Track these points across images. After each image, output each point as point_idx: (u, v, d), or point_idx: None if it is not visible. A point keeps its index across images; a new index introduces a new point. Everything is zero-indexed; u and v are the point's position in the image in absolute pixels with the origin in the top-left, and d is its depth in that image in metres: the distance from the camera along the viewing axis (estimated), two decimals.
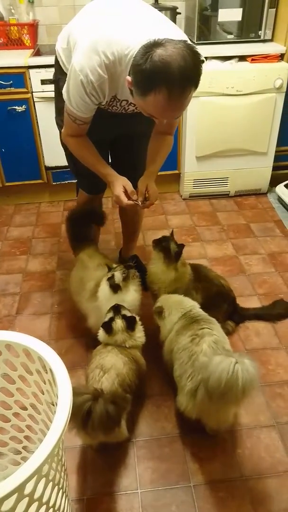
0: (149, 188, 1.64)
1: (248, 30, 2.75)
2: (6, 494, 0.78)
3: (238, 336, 1.94)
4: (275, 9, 2.68)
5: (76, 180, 2.09)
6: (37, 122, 2.71)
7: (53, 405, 1.14)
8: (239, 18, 2.70)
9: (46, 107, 2.62)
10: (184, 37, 1.39)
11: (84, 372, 1.67)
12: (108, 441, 1.42)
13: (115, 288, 1.64)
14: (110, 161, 1.93)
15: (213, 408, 1.38)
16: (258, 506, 1.35)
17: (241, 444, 1.52)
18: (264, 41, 2.80)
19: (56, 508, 1.03)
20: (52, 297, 2.23)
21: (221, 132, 2.77)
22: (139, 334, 1.59)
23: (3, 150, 2.79)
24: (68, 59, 1.58)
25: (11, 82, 2.57)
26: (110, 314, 1.57)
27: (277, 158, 2.97)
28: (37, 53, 2.76)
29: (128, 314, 1.56)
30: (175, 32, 1.41)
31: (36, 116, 2.69)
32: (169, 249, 1.80)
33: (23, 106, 2.64)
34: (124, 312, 1.57)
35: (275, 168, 3.01)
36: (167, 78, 1.20)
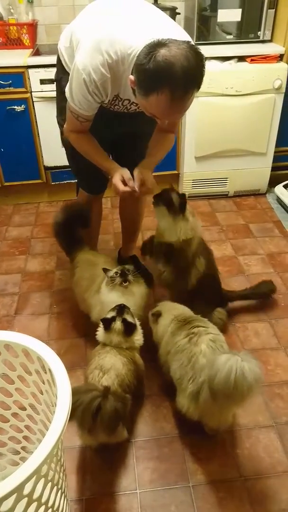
0: (146, 177, 1.61)
1: (247, 30, 2.75)
2: (5, 494, 0.78)
3: (237, 337, 1.94)
4: (274, 9, 2.68)
5: (76, 180, 2.10)
6: (36, 122, 2.71)
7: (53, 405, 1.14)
8: (239, 18, 2.70)
9: (45, 107, 2.62)
10: (188, 37, 1.39)
11: (83, 372, 1.67)
12: (108, 442, 1.42)
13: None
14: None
15: (216, 409, 1.37)
16: (257, 506, 1.35)
17: (240, 445, 1.52)
18: (263, 41, 2.80)
19: (55, 508, 1.03)
20: (51, 297, 2.22)
21: (220, 133, 2.78)
22: (137, 337, 1.58)
23: (2, 150, 2.78)
24: (70, 58, 1.58)
25: (10, 81, 2.57)
26: (113, 313, 1.56)
27: (276, 158, 2.97)
28: (36, 53, 2.76)
29: (129, 319, 1.54)
30: (178, 32, 1.41)
31: (35, 116, 2.68)
32: (171, 200, 1.72)
33: (22, 106, 2.64)
34: (126, 315, 1.55)
35: (274, 168, 3.01)
36: (170, 79, 1.20)
